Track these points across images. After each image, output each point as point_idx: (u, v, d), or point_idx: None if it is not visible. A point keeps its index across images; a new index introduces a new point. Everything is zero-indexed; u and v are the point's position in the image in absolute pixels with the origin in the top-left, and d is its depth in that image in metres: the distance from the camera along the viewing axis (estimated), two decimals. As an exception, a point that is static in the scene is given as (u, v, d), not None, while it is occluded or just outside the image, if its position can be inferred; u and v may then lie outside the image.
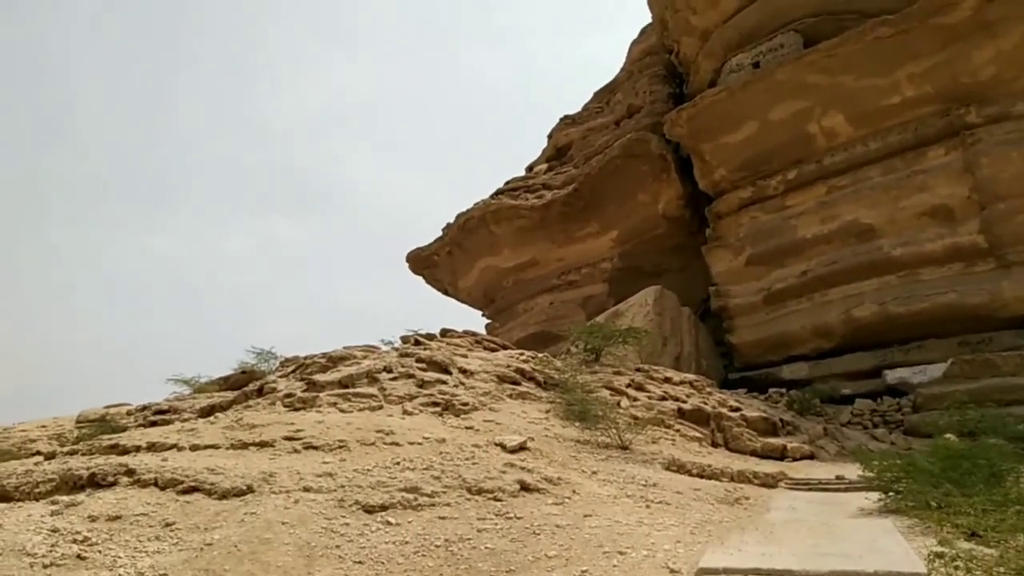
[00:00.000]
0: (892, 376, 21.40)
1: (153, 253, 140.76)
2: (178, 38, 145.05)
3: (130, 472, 8.27)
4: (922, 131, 21.88)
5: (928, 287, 21.32)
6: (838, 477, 12.01)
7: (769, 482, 11.94)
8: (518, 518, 7.26)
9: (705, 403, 16.56)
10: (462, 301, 40.42)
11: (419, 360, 14.99)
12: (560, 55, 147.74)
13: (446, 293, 40.52)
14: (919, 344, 21.26)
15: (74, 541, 6.35)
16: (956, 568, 5.54)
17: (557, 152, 37.53)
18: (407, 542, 6.48)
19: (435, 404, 12.63)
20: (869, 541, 6.68)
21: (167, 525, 6.81)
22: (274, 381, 14.86)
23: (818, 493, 11.19)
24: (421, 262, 39.40)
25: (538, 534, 6.82)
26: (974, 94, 20.85)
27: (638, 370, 18.63)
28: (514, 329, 34.54)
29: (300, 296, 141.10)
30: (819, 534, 7.17)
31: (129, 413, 19.34)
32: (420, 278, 40.65)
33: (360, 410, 12.06)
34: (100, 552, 6.17)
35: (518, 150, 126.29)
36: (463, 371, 14.98)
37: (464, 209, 35.77)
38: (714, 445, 14.89)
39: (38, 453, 13.07)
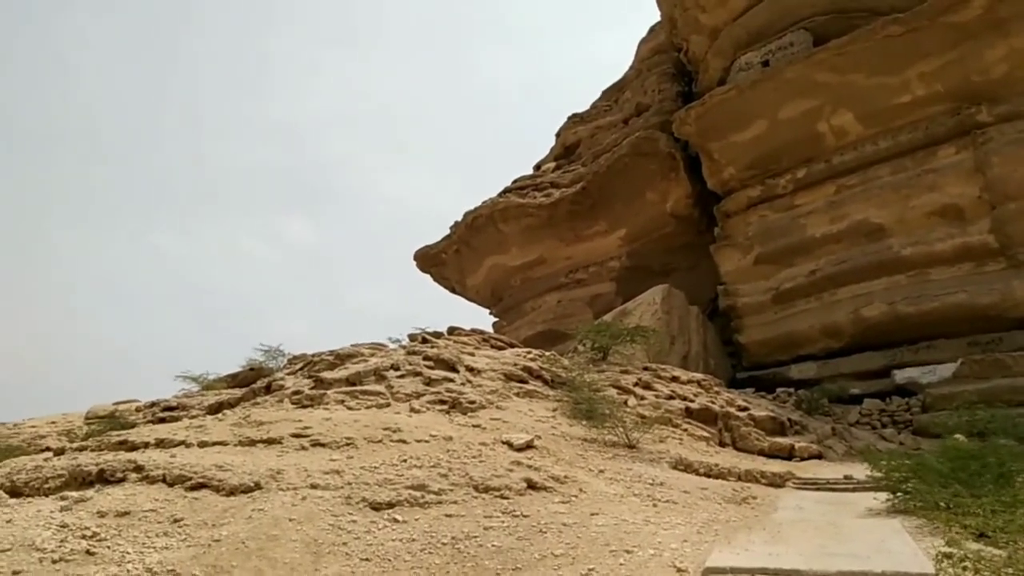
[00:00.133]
0: (901, 376, 21.27)
1: (159, 253, 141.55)
2: (188, 38, 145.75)
3: (139, 468, 8.32)
4: (932, 130, 21.72)
5: (938, 287, 21.17)
6: (846, 477, 11.95)
7: (776, 482, 11.89)
8: (525, 516, 7.26)
9: (713, 402, 16.51)
10: (470, 299, 40.44)
11: (426, 358, 15.01)
12: (569, 54, 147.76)
13: (454, 291, 40.57)
14: (929, 344, 21.11)
15: (83, 536, 6.40)
16: (964, 569, 5.51)
17: (565, 150, 37.48)
18: (414, 539, 6.50)
19: (442, 402, 12.65)
20: (877, 541, 6.65)
21: (175, 521, 6.85)
22: (282, 378, 14.92)
23: (826, 493, 11.13)
24: (429, 260, 39.46)
25: (545, 532, 6.82)
26: (985, 93, 20.68)
27: (646, 369, 18.59)
28: (521, 327, 34.53)
29: (306, 295, 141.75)
30: (827, 534, 7.14)
31: (138, 410, 19.43)
32: (422, 277, 40.80)
33: (367, 408, 12.09)
34: (109, 548, 6.21)
35: (526, 148, 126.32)
36: (470, 369, 14.99)
37: (472, 207, 35.86)
38: (721, 444, 14.85)
39: (48, 449, 13.18)
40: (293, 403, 12.45)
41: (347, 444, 9.54)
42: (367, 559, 6.05)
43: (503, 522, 7.06)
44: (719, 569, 5.74)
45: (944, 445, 10.55)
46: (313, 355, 16.25)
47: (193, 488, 7.77)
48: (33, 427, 22.53)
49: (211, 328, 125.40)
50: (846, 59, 22.02)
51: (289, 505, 7.16)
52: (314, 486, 7.76)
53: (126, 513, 7.03)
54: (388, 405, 12.34)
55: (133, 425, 15.18)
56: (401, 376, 13.91)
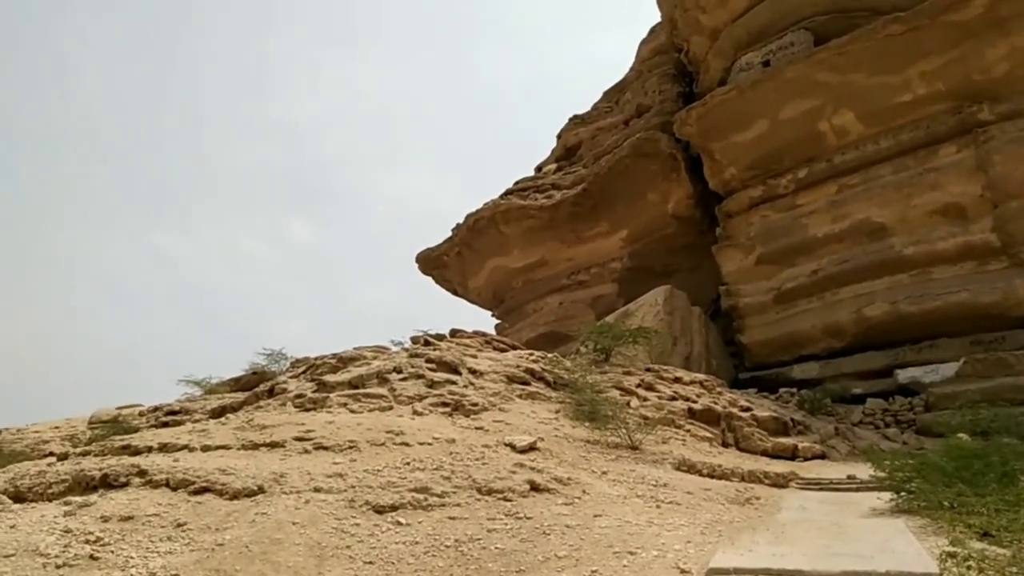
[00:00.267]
0: (904, 375, 21.23)
1: (159, 253, 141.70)
2: (188, 38, 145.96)
3: (142, 473, 8.34)
4: (934, 129, 21.69)
5: (940, 286, 21.13)
6: (849, 477, 11.94)
7: (780, 482, 11.89)
8: (528, 518, 7.26)
9: (715, 403, 16.50)
10: (472, 301, 40.44)
11: (429, 360, 15.02)
12: (569, 54, 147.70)
13: (455, 293, 40.57)
14: (931, 343, 21.07)
15: (87, 541, 6.41)
16: (968, 568, 5.51)
17: (566, 152, 37.50)
18: (417, 542, 6.50)
19: (445, 404, 12.65)
20: (881, 541, 6.64)
21: (179, 525, 6.86)
22: (285, 382, 14.93)
23: (829, 493, 11.14)
24: (431, 263, 39.46)
25: (548, 534, 6.82)
26: (987, 91, 20.67)
27: (648, 370, 18.58)
28: (523, 329, 34.52)
29: (306, 295, 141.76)
30: (830, 534, 7.14)
31: (141, 414, 19.47)
32: (423, 277, 40.74)
33: (370, 410, 12.10)
34: (112, 552, 6.22)
35: (526, 149, 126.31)
36: (473, 371, 14.99)
37: (473, 209, 35.89)
38: (725, 445, 14.84)
39: (51, 454, 13.16)
40: (296, 406, 12.45)
41: (350, 447, 9.55)
42: (370, 562, 6.06)
43: (506, 524, 7.06)
44: (723, 570, 5.73)
45: (947, 444, 10.54)
46: (316, 358, 16.28)
47: (196, 492, 7.79)
48: (36, 432, 22.60)
49: (211, 328, 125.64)
50: (847, 58, 22.02)
51: (292, 508, 7.17)
52: (317, 489, 7.77)
53: (130, 518, 7.04)
54: (391, 408, 12.34)
55: (136, 429, 15.21)
56: (404, 379, 13.91)
